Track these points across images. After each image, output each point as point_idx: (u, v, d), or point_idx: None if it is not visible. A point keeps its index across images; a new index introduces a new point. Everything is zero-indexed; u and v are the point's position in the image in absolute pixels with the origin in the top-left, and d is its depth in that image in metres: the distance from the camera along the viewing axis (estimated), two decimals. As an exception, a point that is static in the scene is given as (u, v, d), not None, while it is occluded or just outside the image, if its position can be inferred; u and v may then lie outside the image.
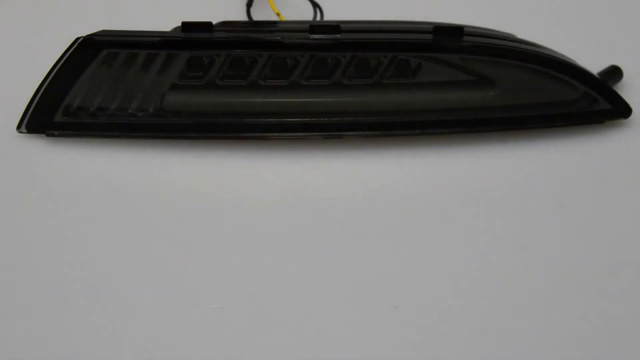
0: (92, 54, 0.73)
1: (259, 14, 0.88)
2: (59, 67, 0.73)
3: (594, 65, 0.81)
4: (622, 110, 0.78)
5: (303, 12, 0.89)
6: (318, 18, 0.87)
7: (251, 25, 0.86)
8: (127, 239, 0.70)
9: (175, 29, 0.76)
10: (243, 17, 0.88)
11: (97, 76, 0.73)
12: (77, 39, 0.72)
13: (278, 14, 0.86)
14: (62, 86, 0.74)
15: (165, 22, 0.78)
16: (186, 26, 0.73)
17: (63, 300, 0.66)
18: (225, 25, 0.80)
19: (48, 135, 0.76)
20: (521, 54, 0.75)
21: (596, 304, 0.67)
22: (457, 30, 0.74)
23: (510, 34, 0.81)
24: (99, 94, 0.74)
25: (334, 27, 0.73)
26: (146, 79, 0.74)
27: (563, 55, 0.78)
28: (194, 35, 0.73)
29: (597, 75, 0.79)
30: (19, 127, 0.75)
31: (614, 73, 0.82)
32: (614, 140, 0.78)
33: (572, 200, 0.74)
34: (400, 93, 0.76)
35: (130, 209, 0.72)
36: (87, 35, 0.72)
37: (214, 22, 0.75)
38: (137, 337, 0.64)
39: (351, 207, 0.73)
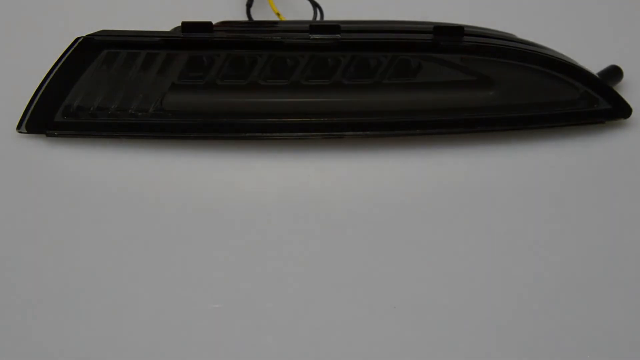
0: (92, 54, 0.73)
1: (259, 14, 0.88)
2: (59, 67, 0.73)
3: (594, 65, 0.81)
4: (622, 110, 0.78)
5: (303, 12, 0.89)
6: (318, 18, 0.87)
7: (251, 25, 0.86)
8: (127, 238, 0.70)
9: (175, 29, 0.76)
10: (243, 17, 0.88)
11: (97, 76, 0.73)
12: (77, 39, 0.72)
13: (278, 14, 0.86)
14: (62, 86, 0.74)
15: (165, 22, 0.78)
16: (186, 26, 0.73)
17: (63, 300, 0.66)
18: (225, 25, 0.80)
19: (48, 135, 0.76)
20: (521, 54, 0.75)
21: (596, 304, 0.67)
22: (457, 30, 0.74)
23: (510, 34, 0.81)
24: (99, 94, 0.74)
25: (334, 27, 0.73)
26: (146, 79, 0.74)
27: (563, 55, 0.78)
28: (194, 35, 0.73)
29: (597, 75, 0.79)
30: (19, 127, 0.75)
31: (614, 73, 0.82)
32: (614, 140, 0.78)
33: (572, 200, 0.74)
34: (400, 93, 0.76)
35: (130, 208, 0.72)
36: (87, 35, 0.72)
37: (214, 22, 0.75)
38: (137, 338, 0.64)
39: (351, 207, 0.73)
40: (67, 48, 0.72)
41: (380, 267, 0.69)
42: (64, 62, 0.73)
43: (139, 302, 0.66)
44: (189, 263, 0.69)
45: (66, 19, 0.88)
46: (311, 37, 0.73)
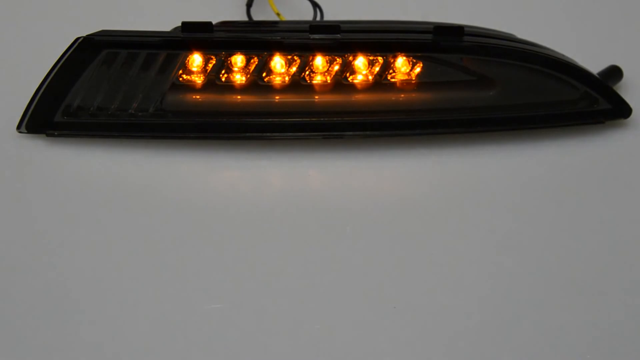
0: (92, 54, 0.73)
1: (259, 14, 0.88)
2: (59, 67, 0.73)
3: (594, 65, 0.81)
4: (622, 110, 0.78)
5: (303, 12, 0.89)
6: (318, 18, 0.87)
7: (251, 25, 0.86)
8: (126, 238, 0.70)
9: (175, 29, 0.76)
10: (243, 17, 0.88)
11: (97, 76, 0.74)
12: (77, 39, 0.72)
13: (278, 14, 0.86)
14: (62, 86, 0.74)
15: (165, 22, 0.78)
16: (186, 26, 0.73)
17: (63, 301, 0.66)
18: (225, 25, 0.80)
19: (48, 135, 0.76)
20: (521, 54, 0.75)
21: (597, 304, 0.67)
22: (457, 30, 0.74)
23: (510, 34, 0.81)
24: (99, 94, 0.74)
25: (334, 27, 0.73)
26: (146, 79, 0.74)
27: (563, 55, 0.78)
28: (194, 35, 0.73)
29: (597, 75, 0.79)
30: (19, 127, 0.75)
31: (614, 73, 0.82)
32: (614, 140, 0.78)
33: (572, 200, 0.74)
34: (400, 93, 0.76)
35: (130, 209, 0.72)
36: (87, 35, 0.72)
37: (214, 22, 0.75)
38: (137, 338, 0.64)
39: (351, 207, 0.73)
40: (67, 48, 0.72)
41: (380, 267, 0.69)
42: (64, 62, 0.73)
43: (138, 302, 0.66)
44: (189, 263, 0.69)
45: (66, 19, 0.88)
46: (311, 37, 0.73)
